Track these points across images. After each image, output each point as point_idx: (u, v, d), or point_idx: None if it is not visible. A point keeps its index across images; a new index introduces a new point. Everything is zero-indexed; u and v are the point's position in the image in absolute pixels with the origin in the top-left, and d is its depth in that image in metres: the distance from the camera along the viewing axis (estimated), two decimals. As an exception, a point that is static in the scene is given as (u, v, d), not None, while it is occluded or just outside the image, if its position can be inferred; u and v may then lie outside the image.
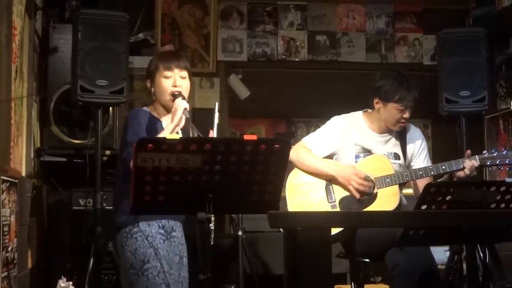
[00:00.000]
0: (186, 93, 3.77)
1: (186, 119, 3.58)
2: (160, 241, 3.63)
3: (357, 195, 4.25)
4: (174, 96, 3.70)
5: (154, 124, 3.73)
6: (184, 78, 3.79)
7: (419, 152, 4.46)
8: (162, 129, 3.70)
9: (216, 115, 3.78)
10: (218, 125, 3.78)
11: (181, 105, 3.61)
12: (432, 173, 4.27)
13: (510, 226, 3.31)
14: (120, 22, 4.87)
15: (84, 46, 4.76)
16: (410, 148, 4.45)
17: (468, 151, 4.30)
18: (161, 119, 3.78)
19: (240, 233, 5.44)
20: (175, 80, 3.75)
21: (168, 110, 3.75)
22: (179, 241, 3.72)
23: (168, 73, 3.76)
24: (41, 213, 5.35)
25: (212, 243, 4.39)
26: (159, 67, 3.79)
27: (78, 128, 5.47)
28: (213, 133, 3.67)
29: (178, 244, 3.71)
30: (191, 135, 3.59)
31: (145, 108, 3.83)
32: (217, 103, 3.92)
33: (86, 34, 4.78)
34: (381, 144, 4.41)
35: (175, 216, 3.69)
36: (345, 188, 4.29)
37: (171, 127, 3.57)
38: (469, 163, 4.23)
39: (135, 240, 3.63)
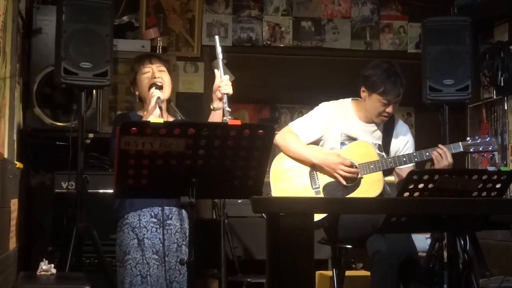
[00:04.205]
0: (167, 86, 3.83)
1: (160, 108, 3.63)
2: (151, 230, 3.62)
3: (344, 182, 4.26)
4: (151, 87, 3.76)
5: None
6: (162, 71, 3.85)
7: (404, 149, 4.46)
8: None
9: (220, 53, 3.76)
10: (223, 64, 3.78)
11: (154, 94, 3.68)
12: (416, 159, 4.29)
13: (491, 214, 3.34)
14: (105, 4, 4.83)
15: (68, 28, 4.73)
16: (395, 143, 4.45)
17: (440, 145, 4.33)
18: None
19: (222, 218, 5.44)
20: (153, 73, 3.81)
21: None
22: (177, 229, 3.69)
23: (145, 69, 3.83)
24: (23, 196, 5.32)
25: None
26: (137, 67, 3.87)
27: (61, 111, 5.44)
28: (220, 72, 3.67)
29: (176, 232, 3.69)
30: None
31: (133, 112, 3.96)
32: (217, 37, 3.92)
33: (70, 16, 4.74)
34: (368, 133, 4.42)
35: (170, 202, 3.67)
36: (331, 176, 4.30)
37: (146, 117, 3.64)
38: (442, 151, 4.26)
39: (122, 233, 3.68)
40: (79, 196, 4.67)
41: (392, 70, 4.33)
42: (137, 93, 3.90)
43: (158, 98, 3.66)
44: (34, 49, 5.47)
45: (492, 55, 6.19)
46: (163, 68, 3.87)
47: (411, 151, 4.45)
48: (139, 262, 3.58)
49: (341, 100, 4.52)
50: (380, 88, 4.28)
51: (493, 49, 6.22)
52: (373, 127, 4.43)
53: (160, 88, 3.74)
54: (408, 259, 4.00)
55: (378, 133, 4.44)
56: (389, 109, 4.31)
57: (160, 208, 3.65)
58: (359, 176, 4.27)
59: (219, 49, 3.72)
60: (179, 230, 3.69)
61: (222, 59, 3.77)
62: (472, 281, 4.70)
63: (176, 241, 3.67)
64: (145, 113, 3.76)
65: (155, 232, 3.62)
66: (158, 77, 3.80)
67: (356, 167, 4.28)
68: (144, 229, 3.62)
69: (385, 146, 4.42)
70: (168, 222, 3.66)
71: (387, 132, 4.45)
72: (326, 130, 4.41)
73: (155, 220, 3.63)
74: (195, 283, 2.99)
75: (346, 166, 4.25)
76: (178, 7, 6.60)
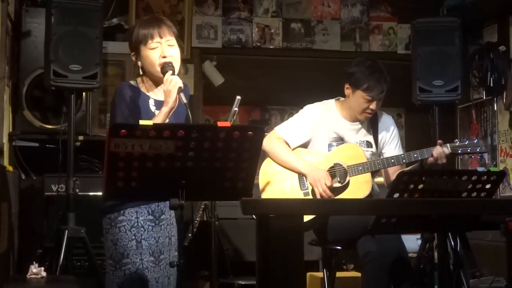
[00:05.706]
0: (176, 63, 3.52)
1: (182, 101, 3.36)
2: (148, 229, 3.52)
3: (318, 197, 4.25)
4: (164, 69, 3.44)
5: (145, 100, 3.55)
6: (172, 46, 3.53)
7: (390, 139, 4.48)
8: (152, 106, 3.53)
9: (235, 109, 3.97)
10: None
11: (174, 83, 3.37)
12: (404, 161, 4.30)
13: (480, 215, 3.34)
14: (94, 6, 4.83)
15: (58, 31, 4.72)
16: (381, 135, 4.48)
17: (440, 141, 4.34)
18: (149, 95, 3.57)
19: (213, 219, 5.44)
20: (162, 51, 3.50)
21: (158, 83, 3.54)
22: (168, 222, 3.55)
23: (153, 44, 3.50)
24: (12, 199, 5.31)
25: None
26: (143, 37, 3.51)
27: (51, 113, 5.43)
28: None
29: (167, 225, 3.56)
30: (190, 120, 3.42)
31: (132, 82, 3.59)
32: (238, 97, 4.17)
33: (60, 18, 4.74)
34: (353, 132, 4.44)
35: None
36: (312, 186, 4.31)
37: (166, 110, 3.36)
38: (439, 150, 4.26)
39: (118, 230, 3.47)
40: (69, 198, 4.66)
41: (376, 67, 4.35)
42: (139, 63, 3.56)
43: (180, 88, 3.36)
44: (23, 51, 5.46)
45: (482, 56, 6.22)
46: (173, 42, 3.54)
47: (397, 141, 4.50)
48: (139, 268, 3.44)
49: (325, 101, 4.54)
50: (364, 84, 4.30)
51: (482, 50, 6.25)
52: (357, 125, 4.45)
53: (173, 70, 3.44)
54: (399, 259, 4.00)
55: (363, 131, 4.46)
56: (373, 106, 4.33)
57: (156, 204, 3.56)
58: (348, 178, 4.28)
59: (236, 108, 4.19)
60: (170, 222, 3.60)
61: (235, 108, 4.36)
62: (462, 281, 4.72)
63: (167, 234, 3.58)
64: (152, 91, 3.58)
65: (151, 231, 3.52)
66: (169, 56, 3.49)
67: (339, 182, 4.29)
68: (141, 228, 3.47)
69: (374, 140, 4.45)
70: (162, 217, 3.58)
71: (373, 126, 4.47)
72: (314, 132, 4.41)
73: (152, 218, 3.53)
74: (186, 284, 2.98)
75: (326, 185, 4.25)
76: (167, 9, 6.60)
